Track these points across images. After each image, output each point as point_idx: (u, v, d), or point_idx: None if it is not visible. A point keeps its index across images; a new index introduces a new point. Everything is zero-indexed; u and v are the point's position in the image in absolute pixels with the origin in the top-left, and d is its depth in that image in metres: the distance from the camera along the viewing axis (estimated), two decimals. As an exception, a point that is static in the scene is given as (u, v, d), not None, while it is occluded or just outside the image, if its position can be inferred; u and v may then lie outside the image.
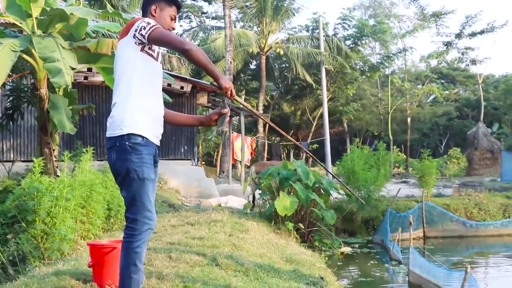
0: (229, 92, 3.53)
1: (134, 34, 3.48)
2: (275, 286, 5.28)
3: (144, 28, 3.45)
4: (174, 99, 15.58)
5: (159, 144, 3.72)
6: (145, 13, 3.76)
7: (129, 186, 3.51)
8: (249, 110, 4.60)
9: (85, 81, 15.83)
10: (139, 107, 3.53)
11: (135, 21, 3.53)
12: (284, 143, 36.26)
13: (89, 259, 4.61)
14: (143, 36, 3.45)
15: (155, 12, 3.72)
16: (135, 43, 3.51)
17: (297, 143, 5.39)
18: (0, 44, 9.72)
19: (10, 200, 7.57)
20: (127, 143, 3.47)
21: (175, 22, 3.84)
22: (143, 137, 3.51)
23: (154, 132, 3.61)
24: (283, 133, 4.68)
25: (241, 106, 25.63)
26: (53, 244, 6.89)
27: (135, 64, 3.53)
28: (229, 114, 3.93)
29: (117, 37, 14.62)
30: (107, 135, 3.57)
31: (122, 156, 3.48)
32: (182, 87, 16.50)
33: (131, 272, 3.50)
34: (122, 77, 3.55)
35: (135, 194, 3.50)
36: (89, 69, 14.57)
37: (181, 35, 37.75)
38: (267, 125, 34.02)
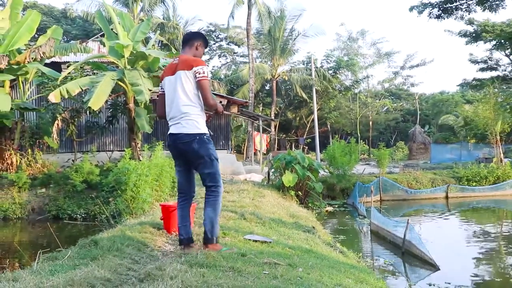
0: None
1: (195, 74, 3.44)
2: (283, 232, 5.29)
3: (200, 74, 3.42)
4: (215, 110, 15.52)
5: None
6: (191, 45, 3.61)
7: (211, 165, 3.46)
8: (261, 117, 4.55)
9: (157, 98, 15.87)
10: (201, 115, 3.53)
11: (197, 62, 3.46)
12: (288, 138, 36.11)
13: (161, 215, 4.64)
14: (196, 78, 3.43)
15: (199, 47, 3.63)
16: (194, 75, 3.45)
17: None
18: (105, 75, 9.84)
19: (111, 176, 7.67)
20: (205, 137, 3.47)
21: (203, 54, 3.81)
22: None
23: None
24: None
25: (258, 115, 25.24)
26: (138, 205, 6.97)
27: (195, 87, 3.48)
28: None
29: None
30: (184, 131, 3.43)
31: (204, 146, 3.45)
32: (221, 102, 16.44)
33: (218, 220, 3.49)
34: (188, 91, 3.45)
35: (216, 170, 3.49)
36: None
37: (220, 67, 37.82)
38: (277, 126, 33.91)
